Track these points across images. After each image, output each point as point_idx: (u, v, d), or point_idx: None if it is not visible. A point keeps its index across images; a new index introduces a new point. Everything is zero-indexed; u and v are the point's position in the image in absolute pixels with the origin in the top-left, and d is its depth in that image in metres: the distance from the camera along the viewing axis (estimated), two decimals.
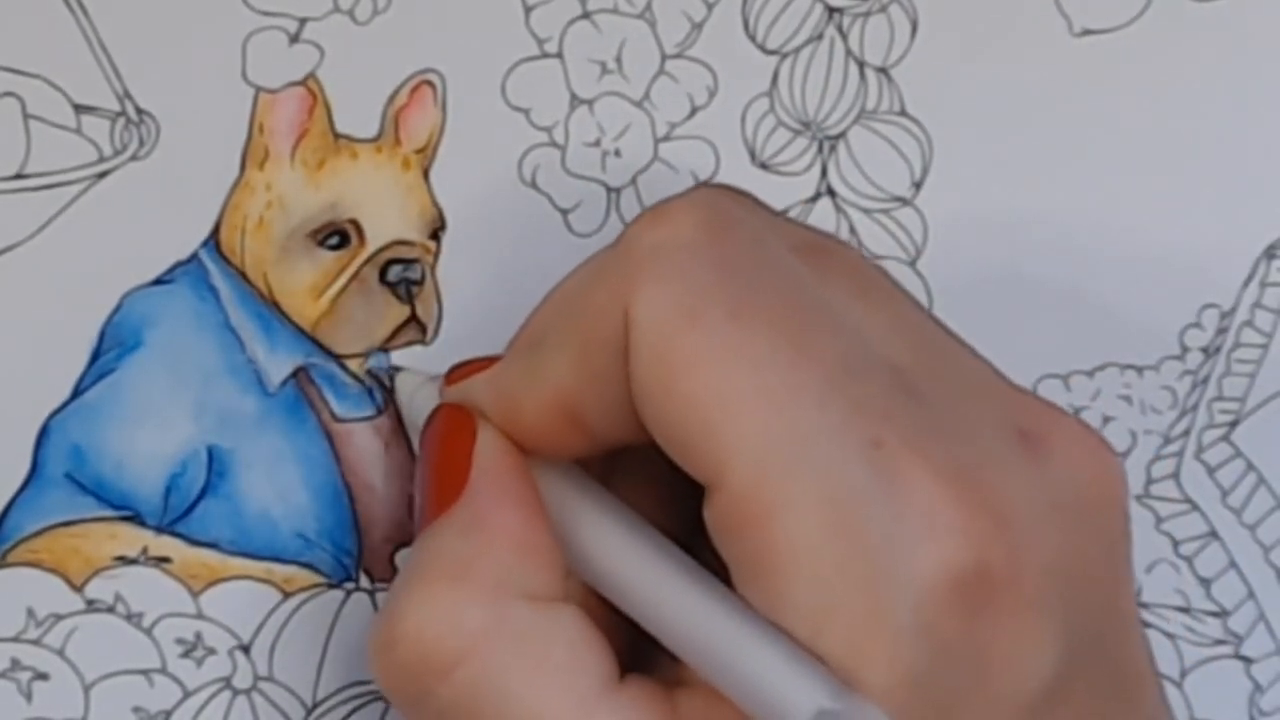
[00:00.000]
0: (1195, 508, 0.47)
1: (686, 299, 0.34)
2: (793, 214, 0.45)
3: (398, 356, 0.44)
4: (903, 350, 0.35)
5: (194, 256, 0.43)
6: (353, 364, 0.44)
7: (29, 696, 0.42)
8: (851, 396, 0.33)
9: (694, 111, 0.45)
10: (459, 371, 0.39)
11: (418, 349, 0.44)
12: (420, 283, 0.44)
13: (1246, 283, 0.47)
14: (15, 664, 0.42)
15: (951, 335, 0.37)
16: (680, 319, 0.33)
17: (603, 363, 0.35)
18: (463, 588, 0.35)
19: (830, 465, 0.33)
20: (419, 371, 0.43)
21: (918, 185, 0.46)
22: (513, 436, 0.37)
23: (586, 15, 0.45)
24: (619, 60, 0.45)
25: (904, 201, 0.46)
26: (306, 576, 0.43)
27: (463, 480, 0.36)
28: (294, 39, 0.43)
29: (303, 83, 0.44)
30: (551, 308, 0.38)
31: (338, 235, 0.44)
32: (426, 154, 0.44)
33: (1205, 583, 0.47)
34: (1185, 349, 0.47)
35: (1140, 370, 0.46)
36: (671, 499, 0.37)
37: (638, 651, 0.37)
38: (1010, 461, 0.34)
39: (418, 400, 0.42)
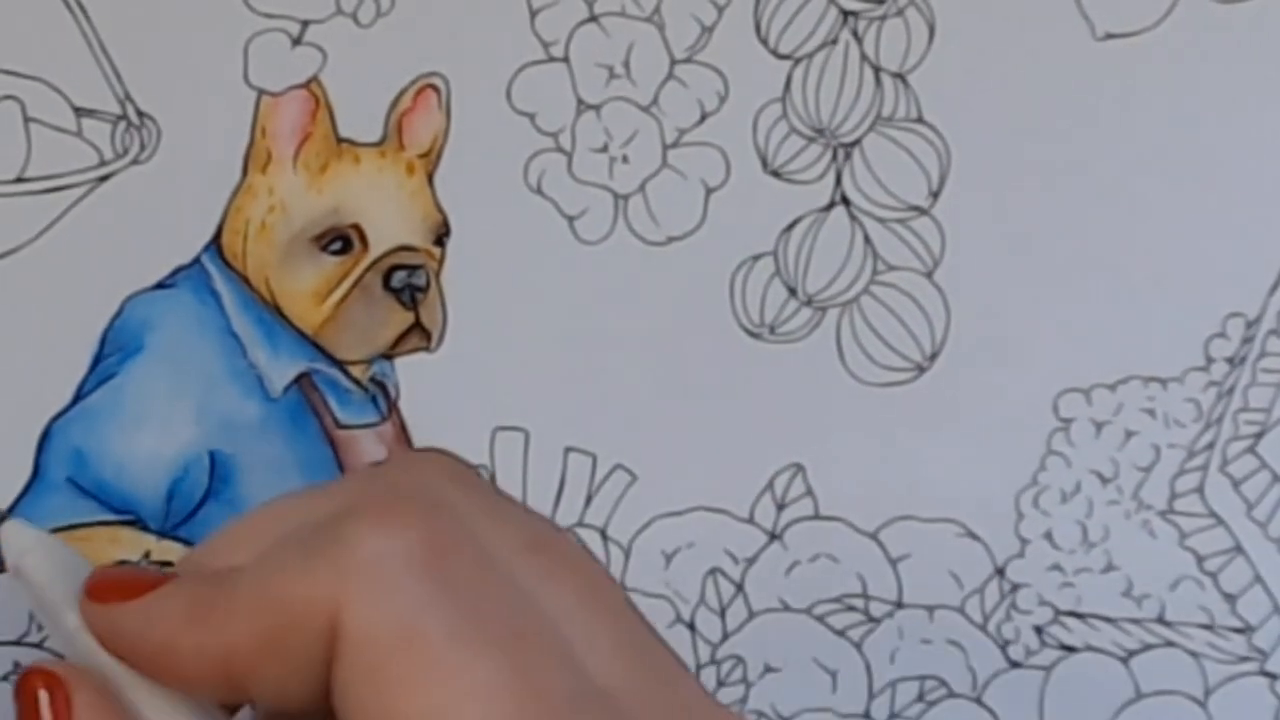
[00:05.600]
0: (1220, 522, 0.46)
1: (405, 617, 0.33)
2: (806, 224, 0.45)
3: (402, 364, 0.44)
4: (623, 674, 0.34)
5: (196, 260, 0.43)
6: (356, 370, 0.44)
7: None
8: None
9: (704, 117, 0.45)
10: (104, 585, 0.35)
11: (423, 356, 0.44)
12: (424, 289, 0.44)
13: (1273, 290, 0.46)
14: (17, 668, 0.42)
15: (666, 649, 0.37)
16: (398, 638, 0.33)
17: (294, 654, 0.33)
18: None
19: None
20: (31, 528, 0.36)
21: (935, 194, 0.45)
22: (155, 672, 0.35)
23: (594, 18, 0.44)
24: (627, 64, 0.44)
25: (921, 211, 0.45)
26: None
27: None
28: (296, 42, 0.43)
29: (305, 86, 0.43)
30: (242, 548, 0.35)
31: (340, 240, 0.44)
32: (430, 158, 0.44)
33: (1230, 599, 0.46)
34: (1210, 359, 0.46)
35: (1164, 382, 0.46)
36: None
37: None
38: None
39: (28, 564, 0.35)
